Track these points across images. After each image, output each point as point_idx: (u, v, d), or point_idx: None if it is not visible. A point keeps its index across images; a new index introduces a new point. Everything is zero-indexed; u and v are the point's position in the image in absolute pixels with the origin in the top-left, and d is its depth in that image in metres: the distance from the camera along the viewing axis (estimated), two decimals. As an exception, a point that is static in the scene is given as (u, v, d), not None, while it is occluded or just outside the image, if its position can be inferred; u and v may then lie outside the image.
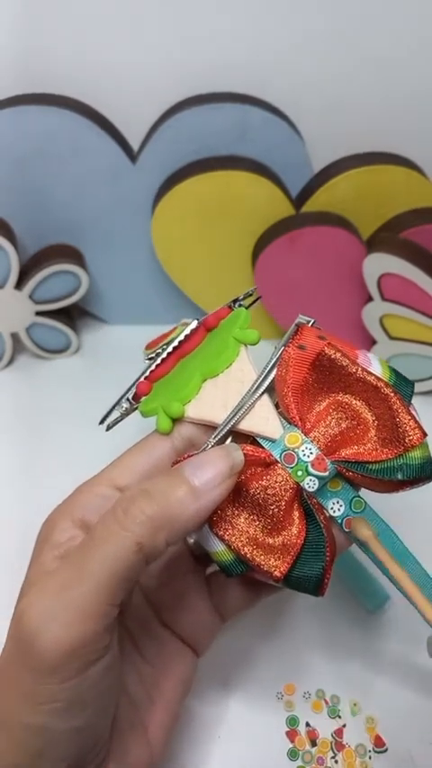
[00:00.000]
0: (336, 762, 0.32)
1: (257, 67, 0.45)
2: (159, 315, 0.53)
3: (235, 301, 0.30)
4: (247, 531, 0.25)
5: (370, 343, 0.48)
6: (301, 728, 0.33)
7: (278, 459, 0.25)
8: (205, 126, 0.44)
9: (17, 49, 0.45)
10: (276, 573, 0.24)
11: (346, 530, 0.26)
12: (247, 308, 0.30)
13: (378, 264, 0.44)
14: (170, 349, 0.30)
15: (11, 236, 0.46)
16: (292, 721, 0.33)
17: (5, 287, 0.47)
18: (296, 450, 0.25)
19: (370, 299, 0.46)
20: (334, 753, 0.32)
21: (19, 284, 0.47)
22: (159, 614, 0.29)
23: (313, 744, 0.33)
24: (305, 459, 0.25)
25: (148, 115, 0.46)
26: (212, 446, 0.25)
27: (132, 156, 0.46)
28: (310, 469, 0.25)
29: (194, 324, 0.31)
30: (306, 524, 0.25)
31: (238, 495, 0.25)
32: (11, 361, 0.52)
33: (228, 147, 0.45)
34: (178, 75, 0.45)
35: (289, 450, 0.25)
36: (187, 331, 0.30)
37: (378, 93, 0.47)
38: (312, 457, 0.25)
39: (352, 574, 0.38)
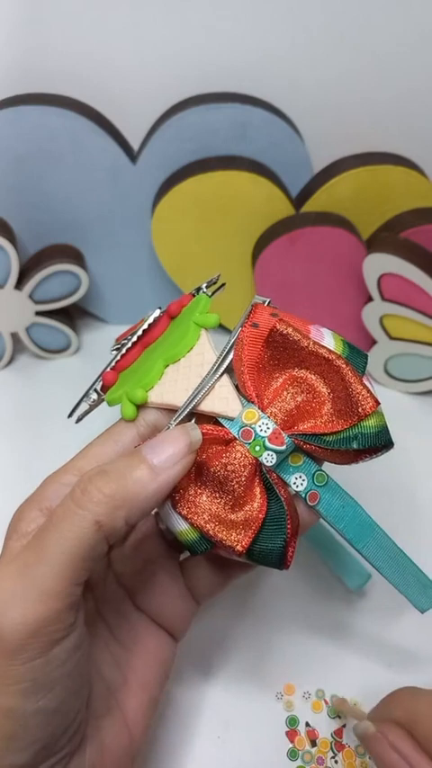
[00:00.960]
0: (336, 762, 0.32)
1: (257, 67, 0.45)
2: (159, 315, 0.53)
3: (198, 289, 0.31)
4: (210, 509, 0.25)
5: (370, 343, 0.48)
6: (301, 728, 0.33)
7: (236, 436, 0.26)
8: (205, 126, 0.44)
9: (17, 49, 0.45)
10: (238, 547, 0.25)
11: (311, 504, 0.26)
12: (210, 295, 0.30)
13: (378, 264, 0.44)
14: (135, 339, 0.30)
15: (11, 236, 0.46)
16: (292, 721, 0.33)
17: (5, 287, 0.47)
18: (253, 426, 0.25)
19: (370, 299, 0.46)
20: (334, 753, 0.32)
21: (19, 284, 0.47)
22: (133, 599, 0.29)
23: (313, 744, 0.33)
24: (262, 434, 0.25)
25: (148, 115, 0.46)
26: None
27: (132, 155, 0.46)
28: (268, 444, 0.25)
29: (157, 312, 0.31)
30: (267, 499, 0.25)
31: (199, 474, 0.26)
32: (11, 361, 0.52)
33: (228, 147, 0.45)
34: (178, 75, 0.45)
35: (246, 426, 0.26)
36: (150, 320, 0.31)
37: (378, 93, 0.47)
38: (269, 432, 0.25)
39: (332, 554, 0.38)
